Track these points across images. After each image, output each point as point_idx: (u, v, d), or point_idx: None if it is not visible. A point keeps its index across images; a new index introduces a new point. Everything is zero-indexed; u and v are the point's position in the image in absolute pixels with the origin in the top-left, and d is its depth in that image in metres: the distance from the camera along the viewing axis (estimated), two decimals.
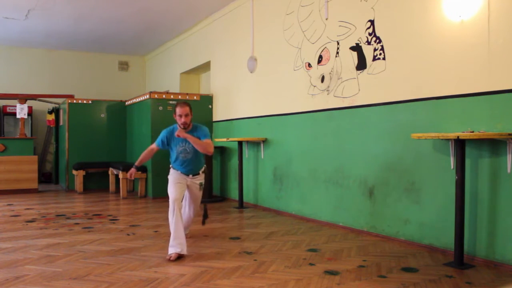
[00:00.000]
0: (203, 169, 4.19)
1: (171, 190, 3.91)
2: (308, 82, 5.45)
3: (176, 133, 3.87)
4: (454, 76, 3.73)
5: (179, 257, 3.63)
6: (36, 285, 2.98)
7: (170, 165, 4.17)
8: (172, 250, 3.64)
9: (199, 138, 3.93)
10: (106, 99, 9.28)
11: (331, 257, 3.68)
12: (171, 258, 3.58)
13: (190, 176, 4.07)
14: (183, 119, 3.91)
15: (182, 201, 4.00)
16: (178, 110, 3.93)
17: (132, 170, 4.18)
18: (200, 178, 4.16)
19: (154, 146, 4.18)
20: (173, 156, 4.11)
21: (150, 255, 3.77)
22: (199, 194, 4.22)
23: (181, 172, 4.05)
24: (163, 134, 4.10)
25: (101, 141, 8.78)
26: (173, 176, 4.04)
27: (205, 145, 3.92)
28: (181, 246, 3.64)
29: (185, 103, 3.98)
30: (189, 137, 3.87)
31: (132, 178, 4.21)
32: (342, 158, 4.92)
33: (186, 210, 4.29)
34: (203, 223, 4.48)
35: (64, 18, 7.91)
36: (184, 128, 3.94)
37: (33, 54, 10.25)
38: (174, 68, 9.55)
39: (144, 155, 4.21)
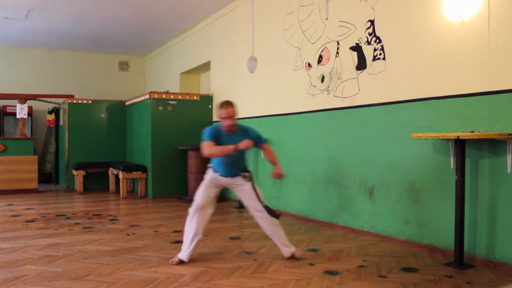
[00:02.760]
0: (245, 173, 3.70)
1: (198, 194, 3.66)
2: (308, 82, 5.45)
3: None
4: (454, 76, 3.73)
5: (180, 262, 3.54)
6: (36, 285, 2.99)
7: (209, 165, 3.80)
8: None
9: (256, 142, 3.64)
10: (106, 99, 9.27)
11: (331, 257, 3.68)
12: (173, 263, 3.49)
13: (228, 178, 3.68)
14: (228, 122, 3.52)
15: (207, 209, 3.66)
16: (223, 112, 3.51)
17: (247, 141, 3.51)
18: (239, 180, 3.68)
19: (209, 142, 3.54)
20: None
21: (150, 255, 3.77)
22: (251, 191, 3.64)
23: (220, 174, 3.68)
24: (210, 131, 3.58)
25: (101, 141, 8.78)
26: (208, 179, 3.72)
27: (274, 154, 3.86)
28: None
29: (229, 103, 3.56)
30: (277, 164, 3.78)
31: (250, 146, 3.52)
32: (342, 158, 4.92)
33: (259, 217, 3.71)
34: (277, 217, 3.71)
35: (64, 18, 7.91)
36: (229, 130, 3.57)
37: (33, 54, 10.25)
38: (174, 68, 9.55)
39: (220, 147, 3.54)
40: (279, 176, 3.78)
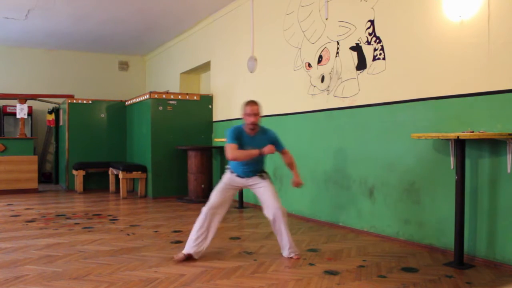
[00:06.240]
0: (261, 173, 3.82)
1: (213, 195, 3.74)
2: (308, 82, 5.45)
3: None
4: (454, 76, 3.73)
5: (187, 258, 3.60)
6: (36, 285, 2.99)
7: (227, 166, 3.89)
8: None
9: (276, 146, 3.73)
10: (106, 99, 9.27)
11: (331, 257, 3.68)
12: (177, 258, 3.56)
13: (245, 178, 3.77)
14: (252, 119, 3.64)
15: (219, 209, 3.72)
16: (248, 108, 3.66)
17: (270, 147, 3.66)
18: (255, 179, 3.78)
19: (233, 145, 3.63)
20: None
21: (150, 255, 3.77)
22: (269, 187, 3.74)
23: (237, 175, 3.76)
24: (233, 133, 3.68)
25: (101, 141, 8.79)
26: (224, 181, 3.80)
27: (293, 160, 3.94)
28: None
29: (254, 102, 3.71)
30: (295, 171, 3.92)
31: (273, 151, 3.68)
32: (342, 158, 4.91)
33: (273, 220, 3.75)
34: None
35: (64, 18, 7.91)
36: (252, 129, 3.70)
37: (33, 54, 10.25)
38: (174, 68, 9.55)
39: (245, 152, 3.65)
40: (298, 185, 3.90)
